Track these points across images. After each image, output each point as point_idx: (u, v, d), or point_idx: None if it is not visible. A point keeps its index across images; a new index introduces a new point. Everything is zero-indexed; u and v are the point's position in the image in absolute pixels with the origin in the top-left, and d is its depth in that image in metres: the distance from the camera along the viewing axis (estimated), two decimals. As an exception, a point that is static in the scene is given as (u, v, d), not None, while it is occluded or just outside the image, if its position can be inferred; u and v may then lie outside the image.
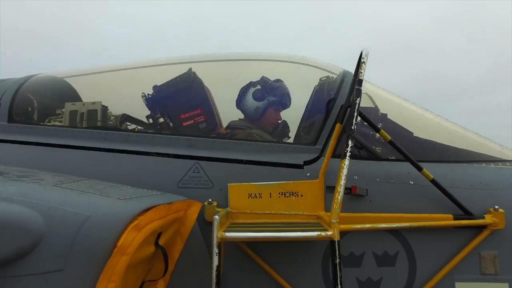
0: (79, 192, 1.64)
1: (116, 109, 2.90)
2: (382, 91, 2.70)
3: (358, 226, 1.80)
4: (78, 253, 1.38)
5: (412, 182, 2.13)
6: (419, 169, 2.03)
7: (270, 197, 2.09)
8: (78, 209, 1.47)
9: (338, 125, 2.11)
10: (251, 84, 2.84)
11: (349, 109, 2.09)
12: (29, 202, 1.44)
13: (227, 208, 2.07)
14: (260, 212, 2.07)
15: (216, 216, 1.68)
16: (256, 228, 1.89)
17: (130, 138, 2.38)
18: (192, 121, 2.69)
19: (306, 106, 2.68)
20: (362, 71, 1.91)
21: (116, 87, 3.07)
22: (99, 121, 2.65)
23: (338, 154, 2.19)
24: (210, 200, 2.10)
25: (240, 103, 2.85)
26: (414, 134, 2.48)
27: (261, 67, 2.88)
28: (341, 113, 2.14)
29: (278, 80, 2.84)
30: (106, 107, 2.80)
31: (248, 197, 2.09)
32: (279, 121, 2.90)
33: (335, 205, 1.68)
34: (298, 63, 2.80)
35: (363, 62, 1.93)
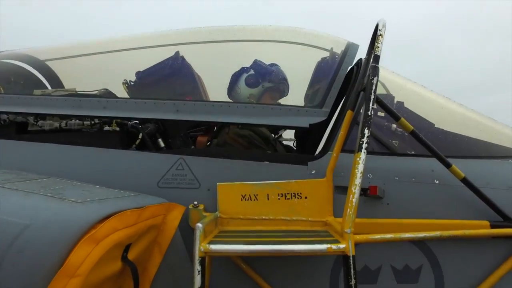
0: (24, 194, 1.29)
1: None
2: (396, 76, 2.35)
3: (378, 236, 1.44)
4: (9, 277, 1.03)
5: (437, 182, 1.78)
6: (448, 165, 1.68)
7: (268, 199, 1.74)
8: (14, 215, 1.13)
9: (349, 113, 1.76)
10: (243, 70, 2.48)
11: (362, 93, 1.74)
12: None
13: (216, 213, 1.72)
14: (256, 217, 1.72)
15: (199, 224, 1.33)
16: (251, 237, 1.54)
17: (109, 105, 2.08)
18: (180, 111, 2.34)
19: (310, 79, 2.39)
20: (378, 45, 1.56)
21: (94, 71, 2.71)
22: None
23: (349, 148, 1.86)
24: (195, 202, 1.75)
25: (232, 91, 2.50)
26: (436, 126, 2.13)
27: (257, 49, 2.53)
28: (353, 98, 1.79)
29: (274, 64, 2.49)
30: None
31: (241, 199, 1.74)
32: None
33: (348, 210, 1.33)
34: (299, 43, 2.43)
35: (380, 34, 1.58)
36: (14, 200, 1.22)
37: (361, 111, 1.88)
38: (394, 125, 2.07)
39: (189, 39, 2.55)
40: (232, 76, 2.50)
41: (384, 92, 2.26)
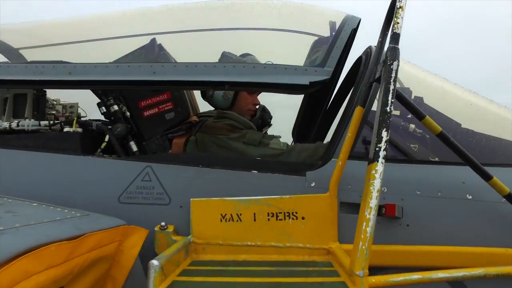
0: None
1: (55, 94, 2.20)
2: (413, 67, 1.97)
3: (401, 278, 1.05)
4: None
5: (470, 197, 1.40)
6: (487, 177, 1.30)
7: (255, 220, 1.36)
8: None
9: (358, 110, 1.38)
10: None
11: (375, 84, 1.37)
12: None
13: (188, 237, 1.36)
14: (239, 243, 1.34)
15: (154, 262, 0.97)
16: (231, 275, 1.17)
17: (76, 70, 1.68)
18: (156, 109, 1.97)
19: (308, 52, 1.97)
20: (398, 20, 1.19)
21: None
22: (28, 109, 1.94)
23: (359, 154, 1.49)
24: (163, 223, 1.38)
25: (205, 92, 2.13)
26: (463, 126, 1.75)
27: (245, 35, 2.14)
28: (363, 91, 1.41)
29: (246, 54, 2.11)
30: (44, 91, 2.10)
31: (221, 220, 1.37)
32: (257, 106, 2.19)
33: (361, 244, 0.95)
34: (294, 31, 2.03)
35: (400, 7, 1.20)
36: None
37: (374, 106, 1.52)
38: (412, 125, 1.69)
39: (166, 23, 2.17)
40: None
41: (398, 85, 1.88)
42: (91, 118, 2.42)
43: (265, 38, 2.10)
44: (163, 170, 1.48)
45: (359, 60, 2.08)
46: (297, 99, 2.82)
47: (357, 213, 1.40)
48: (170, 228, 1.37)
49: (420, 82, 1.86)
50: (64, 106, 2.31)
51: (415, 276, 1.04)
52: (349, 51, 2.01)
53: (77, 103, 2.35)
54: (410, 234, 1.37)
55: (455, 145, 1.31)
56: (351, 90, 2.47)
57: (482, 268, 1.11)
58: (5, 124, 1.83)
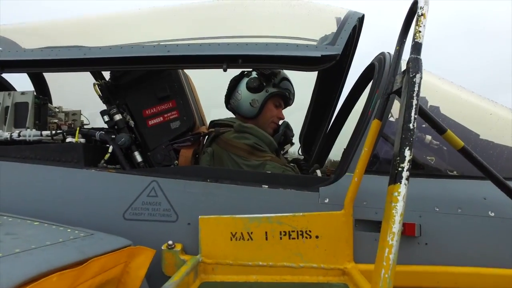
0: None
1: (59, 101, 2.15)
2: (427, 73, 1.89)
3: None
4: None
5: (492, 214, 1.34)
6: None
7: (266, 238, 1.30)
8: None
9: (375, 123, 1.31)
10: (243, 74, 2.09)
11: (392, 96, 1.31)
12: None
13: (197, 256, 1.30)
14: (250, 263, 1.28)
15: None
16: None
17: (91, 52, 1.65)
18: (161, 118, 1.91)
19: None
20: (420, 29, 1.12)
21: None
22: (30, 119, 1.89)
23: (374, 168, 1.42)
24: (170, 242, 1.32)
25: (230, 98, 2.10)
26: (481, 137, 1.68)
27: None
28: (380, 103, 1.34)
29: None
30: (46, 99, 2.04)
31: (231, 239, 1.31)
32: (280, 122, 2.12)
33: (383, 272, 0.89)
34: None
35: (422, 14, 1.14)
36: None
37: (389, 116, 1.45)
38: (428, 136, 1.63)
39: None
40: (231, 81, 2.10)
41: None
42: (94, 126, 2.39)
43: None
44: (169, 184, 1.42)
45: (371, 66, 2.01)
46: (304, 102, 2.76)
47: (373, 231, 1.35)
48: (178, 247, 1.31)
49: (437, 91, 1.79)
50: (67, 114, 2.26)
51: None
52: (356, 44, 2.03)
53: (80, 110, 2.30)
54: (429, 253, 1.31)
55: (478, 161, 1.24)
56: (359, 96, 2.44)
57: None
58: (6, 135, 1.78)
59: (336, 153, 2.79)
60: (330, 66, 1.47)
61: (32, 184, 1.54)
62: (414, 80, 1.04)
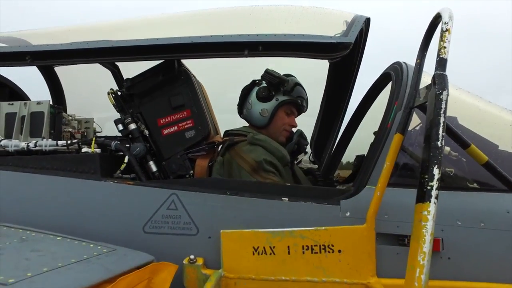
0: None
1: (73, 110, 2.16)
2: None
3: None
4: None
5: (517, 228, 1.33)
6: (537, 209, 1.22)
7: (289, 253, 1.30)
8: None
9: (397, 137, 1.31)
10: (254, 83, 2.08)
11: (415, 111, 1.30)
12: None
13: (219, 271, 1.29)
14: (273, 278, 1.28)
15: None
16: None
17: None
18: (176, 127, 1.91)
19: None
20: (445, 45, 1.12)
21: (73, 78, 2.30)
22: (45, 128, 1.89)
23: (395, 181, 1.41)
24: (192, 257, 1.32)
25: (242, 107, 2.11)
26: (500, 148, 1.67)
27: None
28: (403, 117, 1.33)
29: (288, 75, 2.07)
30: (61, 108, 2.04)
31: (254, 253, 1.31)
32: (294, 129, 2.11)
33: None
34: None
35: (447, 30, 1.13)
36: None
37: (407, 126, 1.44)
38: (447, 148, 1.62)
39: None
40: (242, 90, 2.11)
41: None
42: (107, 133, 2.40)
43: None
44: (189, 197, 1.42)
45: (385, 75, 2.01)
46: (314, 107, 2.77)
47: (394, 245, 1.35)
48: (200, 261, 1.31)
49: (456, 102, 1.78)
50: (80, 122, 2.26)
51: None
52: (364, 47, 2.11)
53: (92, 118, 2.30)
54: (452, 268, 1.30)
55: (503, 175, 1.24)
56: (372, 103, 2.44)
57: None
58: (23, 145, 1.78)
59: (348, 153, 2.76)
60: (340, 69, 1.49)
61: (50, 196, 1.55)
62: (441, 97, 1.03)
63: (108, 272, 1.03)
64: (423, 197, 0.95)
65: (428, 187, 0.95)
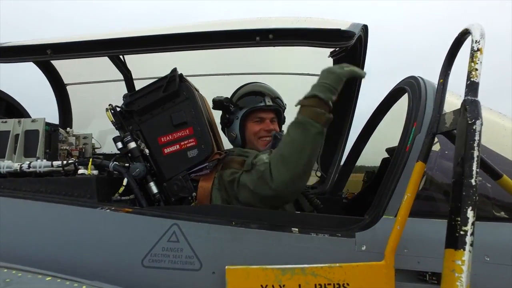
0: None
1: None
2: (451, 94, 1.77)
3: None
4: None
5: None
6: None
7: (300, 293, 1.18)
8: None
9: (419, 165, 1.19)
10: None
11: (438, 136, 1.19)
12: None
13: (224, 312, 1.18)
14: (283, 320, 1.17)
15: None
16: None
17: None
18: (178, 146, 1.81)
19: None
20: (477, 67, 1.00)
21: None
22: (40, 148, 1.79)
23: (419, 211, 1.30)
24: (194, 295, 1.21)
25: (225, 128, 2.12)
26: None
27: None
28: (425, 143, 1.22)
29: (246, 84, 2.09)
30: (56, 125, 1.95)
31: (261, 292, 1.20)
32: (269, 133, 1.99)
33: None
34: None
35: (478, 50, 1.02)
36: None
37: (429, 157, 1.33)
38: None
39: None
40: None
41: None
42: (108, 149, 2.32)
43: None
44: (192, 229, 1.31)
45: (399, 90, 1.90)
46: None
47: (414, 282, 1.24)
48: (203, 301, 1.20)
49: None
50: (78, 137, 2.18)
51: None
52: (365, 55, 2.14)
53: (91, 134, 2.21)
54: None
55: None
56: (383, 117, 2.33)
57: None
58: (16, 166, 1.69)
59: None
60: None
61: (44, 224, 1.45)
62: (474, 127, 0.92)
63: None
64: (455, 243, 0.84)
65: (462, 232, 0.84)
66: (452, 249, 0.84)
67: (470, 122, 0.93)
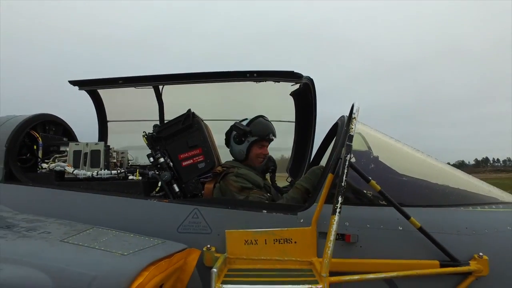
0: (85, 249, 1.74)
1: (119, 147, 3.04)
2: (374, 132, 2.82)
3: (347, 277, 1.90)
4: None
5: (401, 228, 2.23)
6: (407, 217, 2.13)
7: (265, 243, 2.19)
8: (84, 269, 1.58)
9: (330, 176, 2.22)
10: (232, 128, 2.95)
11: (340, 160, 2.20)
12: (37, 264, 1.55)
13: (225, 254, 2.17)
14: (256, 258, 2.17)
15: (214, 269, 1.80)
16: (253, 276, 1.99)
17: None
18: (192, 160, 2.80)
19: None
20: (352, 126, 2.03)
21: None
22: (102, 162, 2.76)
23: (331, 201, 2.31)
24: (208, 246, 2.20)
25: (228, 143, 3.00)
26: (405, 178, 2.59)
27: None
28: (333, 163, 2.25)
29: (259, 116, 2.96)
30: (108, 146, 2.91)
31: (245, 244, 2.19)
32: (265, 156, 2.96)
33: (325, 259, 1.78)
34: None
35: (354, 117, 2.05)
36: (81, 256, 1.68)
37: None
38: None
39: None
40: (225, 133, 3.02)
41: (365, 147, 2.72)
42: (137, 161, 3.30)
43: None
44: (205, 210, 2.31)
45: (336, 125, 2.94)
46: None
47: (324, 238, 2.25)
48: (213, 249, 2.20)
49: (378, 143, 2.71)
50: (118, 153, 3.13)
51: (356, 276, 1.89)
52: (315, 94, 3.32)
53: (127, 150, 3.17)
54: (362, 251, 2.17)
55: (389, 199, 2.13)
56: (329, 144, 3.40)
57: (396, 272, 1.96)
58: (89, 173, 2.64)
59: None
60: (302, 109, 2.54)
61: (110, 209, 2.41)
62: (346, 158, 1.93)
63: (166, 252, 1.90)
64: (332, 211, 1.85)
65: (335, 207, 1.85)
66: (333, 215, 1.85)
67: (345, 155, 1.94)
